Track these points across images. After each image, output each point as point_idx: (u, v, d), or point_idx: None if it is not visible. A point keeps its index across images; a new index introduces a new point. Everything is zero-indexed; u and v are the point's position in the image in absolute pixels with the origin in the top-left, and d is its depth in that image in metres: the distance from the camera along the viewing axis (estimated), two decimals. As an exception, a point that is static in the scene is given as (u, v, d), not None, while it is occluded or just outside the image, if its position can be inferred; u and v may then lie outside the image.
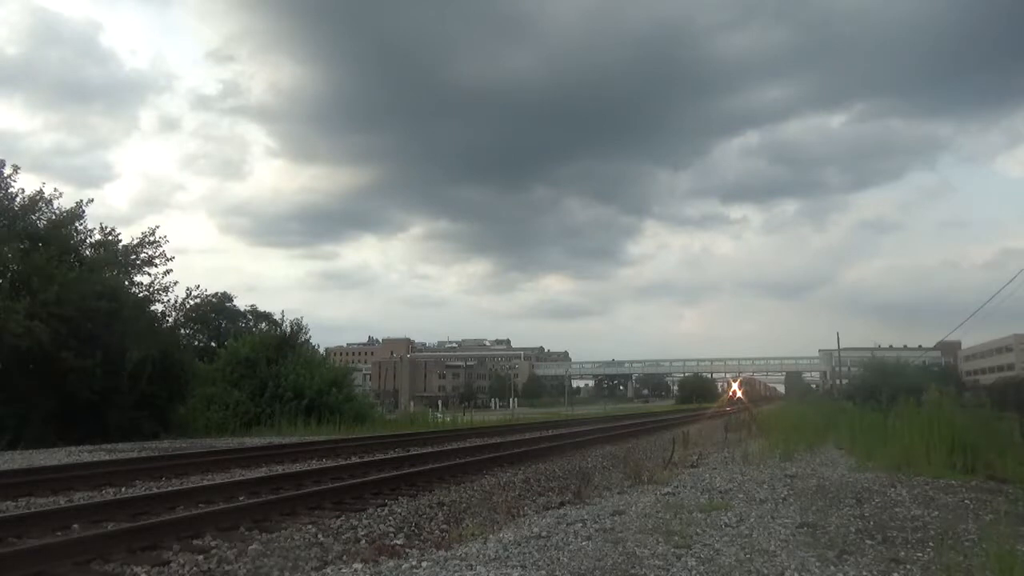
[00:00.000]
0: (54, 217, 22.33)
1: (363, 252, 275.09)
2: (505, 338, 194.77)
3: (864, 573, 4.77)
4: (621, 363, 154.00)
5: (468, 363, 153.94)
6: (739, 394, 70.30)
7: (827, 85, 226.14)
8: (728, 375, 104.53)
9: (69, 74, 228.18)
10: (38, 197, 22.07)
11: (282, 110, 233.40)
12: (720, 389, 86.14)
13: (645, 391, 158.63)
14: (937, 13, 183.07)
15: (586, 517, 6.71)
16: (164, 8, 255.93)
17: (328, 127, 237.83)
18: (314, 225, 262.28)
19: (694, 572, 4.75)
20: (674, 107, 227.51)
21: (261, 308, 53.32)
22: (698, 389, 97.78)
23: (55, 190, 22.59)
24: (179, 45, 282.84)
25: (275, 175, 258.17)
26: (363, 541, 6.24)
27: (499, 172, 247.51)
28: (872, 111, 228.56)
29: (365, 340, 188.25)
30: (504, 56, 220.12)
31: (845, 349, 70.23)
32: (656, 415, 41.65)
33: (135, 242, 24.03)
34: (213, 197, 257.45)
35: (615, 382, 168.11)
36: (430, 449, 15.45)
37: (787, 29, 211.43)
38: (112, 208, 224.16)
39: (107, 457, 13.31)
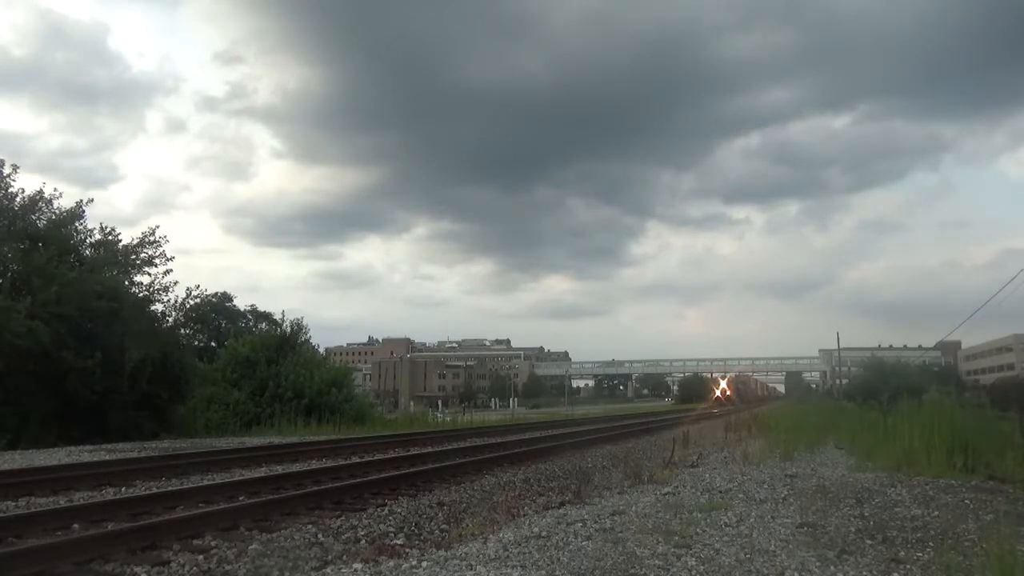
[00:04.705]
0: (54, 217, 22.31)
1: (366, 252, 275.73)
2: (505, 338, 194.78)
3: (864, 573, 4.76)
4: (621, 363, 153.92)
5: (468, 363, 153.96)
6: (728, 393, 69.63)
7: (831, 86, 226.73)
8: (720, 374, 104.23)
9: (76, 76, 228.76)
10: (38, 197, 22.06)
11: (288, 111, 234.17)
12: None
13: (645, 391, 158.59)
14: (941, 14, 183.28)
15: (586, 517, 6.71)
16: (172, 10, 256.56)
17: (333, 128, 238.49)
18: (318, 226, 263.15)
19: (694, 572, 4.75)
20: (678, 108, 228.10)
21: (264, 308, 53.52)
22: (698, 389, 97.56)
23: (55, 190, 22.61)
24: (186, 47, 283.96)
25: (280, 176, 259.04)
26: (363, 541, 6.24)
27: (503, 173, 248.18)
28: (876, 112, 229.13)
29: (365, 340, 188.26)
30: (509, 57, 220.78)
31: (845, 349, 70.26)
32: (656, 415, 41.66)
33: (135, 242, 24.01)
34: (218, 198, 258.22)
35: (615, 382, 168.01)
36: (430, 449, 15.44)
37: (792, 31, 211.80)
38: (117, 209, 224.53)
39: (107, 457, 13.30)
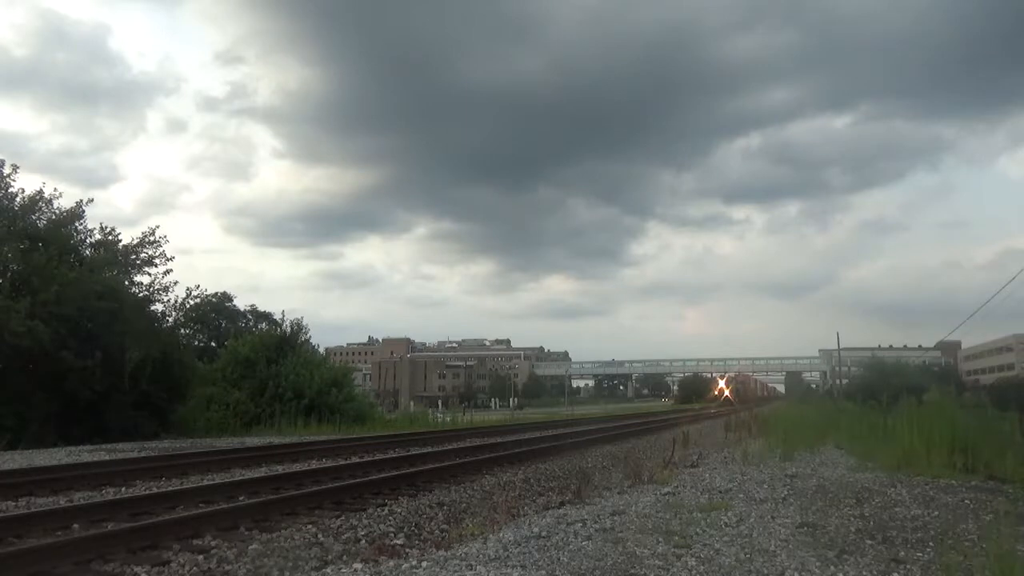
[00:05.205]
0: (54, 217, 22.30)
1: (367, 252, 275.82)
2: (505, 338, 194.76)
3: (864, 573, 4.76)
4: (621, 363, 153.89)
5: (468, 363, 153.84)
6: (726, 393, 69.34)
7: (832, 86, 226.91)
8: (720, 375, 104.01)
9: (77, 76, 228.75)
10: (38, 197, 22.05)
11: (289, 111, 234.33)
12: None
13: (645, 391, 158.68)
14: (942, 15, 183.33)
15: (586, 517, 6.71)
16: (172, 10, 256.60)
17: (334, 128, 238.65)
18: (318, 226, 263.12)
19: (694, 572, 4.75)
20: (678, 108, 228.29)
21: (264, 308, 53.60)
22: (698, 389, 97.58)
23: (55, 190, 22.59)
24: (187, 47, 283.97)
25: (280, 176, 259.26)
26: (363, 541, 6.25)
27: (504, 173, 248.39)
28: (876, 112, 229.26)
29: (365, 340, 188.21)
30: (510, 58, 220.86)
31: (845, 349, 70.20)
32: (656, 415, 41.67)
33: (135, 242, 24.00)
34: (218, 198, 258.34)
35: (615, 382, 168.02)
36: (430, 449, 15.45)
37: (793, 31, 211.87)
38: (118, 209, 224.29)
39: (107, 457, 13.31)
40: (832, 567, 4.86)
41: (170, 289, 24.49)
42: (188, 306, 26.88)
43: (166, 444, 17.90)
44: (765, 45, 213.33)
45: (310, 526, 6.72)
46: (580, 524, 6.35)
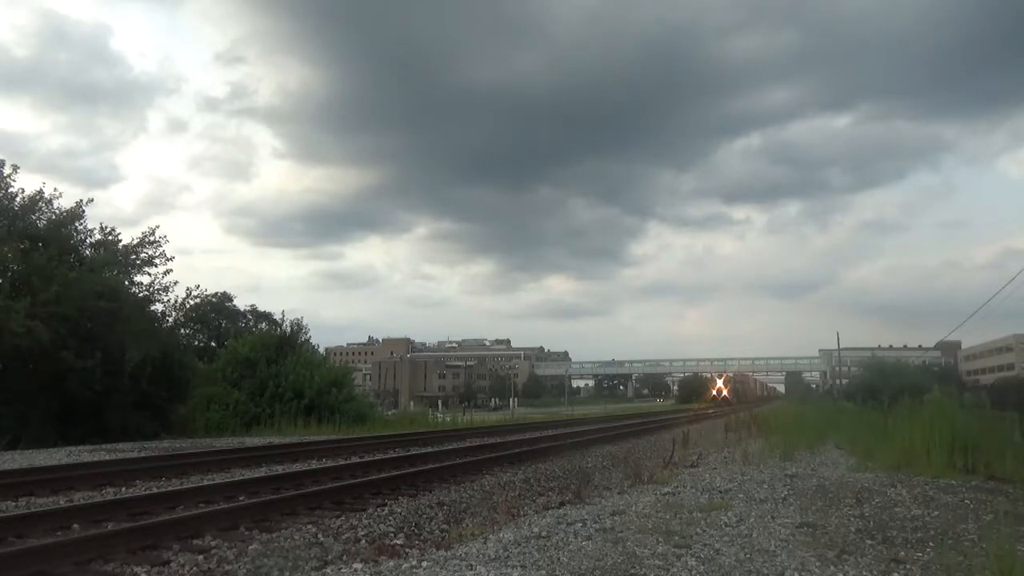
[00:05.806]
0: (54, 217, 22.28)
1: (367, 252, 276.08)
2: (505, 338, 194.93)
3: (864, 573, 4.76)
4: (621, 363, 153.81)
5: (468, 363, 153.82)
6: (725, 393, 68.96)
7: (832, 86, 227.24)
8: (717, 374, 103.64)
9: (78, 76, 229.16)
10: (38, 197, 22.02)
11: (289, 112, 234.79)
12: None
13: (645, 391, 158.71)
14: (942, 15, 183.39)
15: (586, 517, 6.71)
16: (173, 11, 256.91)
17: (335, 128, 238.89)
18: (319, 226, 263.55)
19: (694, 572, 4.75)
20: (679, 109, 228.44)
21: (264, 308, 53.40)
22: (698, 389, 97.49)
23: (55, 190, 22.54)
24: (188, 47, 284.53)
25: (281, 176, 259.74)
26: (363, 541, 6.25)
27: (504, 173, 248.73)
28: (877, 112, 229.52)
29: (365, 340, 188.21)
30: (510, 58, 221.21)
31: (845, 349, 70.24)
32: (656, 415, 41.66)
33: (135, 242, 23.96)
34: (219, 198, 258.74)
35: (615, 382, 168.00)
36: (430, 449, 15.44)
37: (793, 31, 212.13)
38: (118, 209, 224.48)
39: (107, 457, 13.30)
40: (832, 567, 4.86)
41: (170, 289, 24.45)
42: (188, 306, 26.82)
43: (166, 444, 17.89)
44: (765, 45, 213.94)
45: (310, 526, 6.72)
46: (580, 524, 6.35)
